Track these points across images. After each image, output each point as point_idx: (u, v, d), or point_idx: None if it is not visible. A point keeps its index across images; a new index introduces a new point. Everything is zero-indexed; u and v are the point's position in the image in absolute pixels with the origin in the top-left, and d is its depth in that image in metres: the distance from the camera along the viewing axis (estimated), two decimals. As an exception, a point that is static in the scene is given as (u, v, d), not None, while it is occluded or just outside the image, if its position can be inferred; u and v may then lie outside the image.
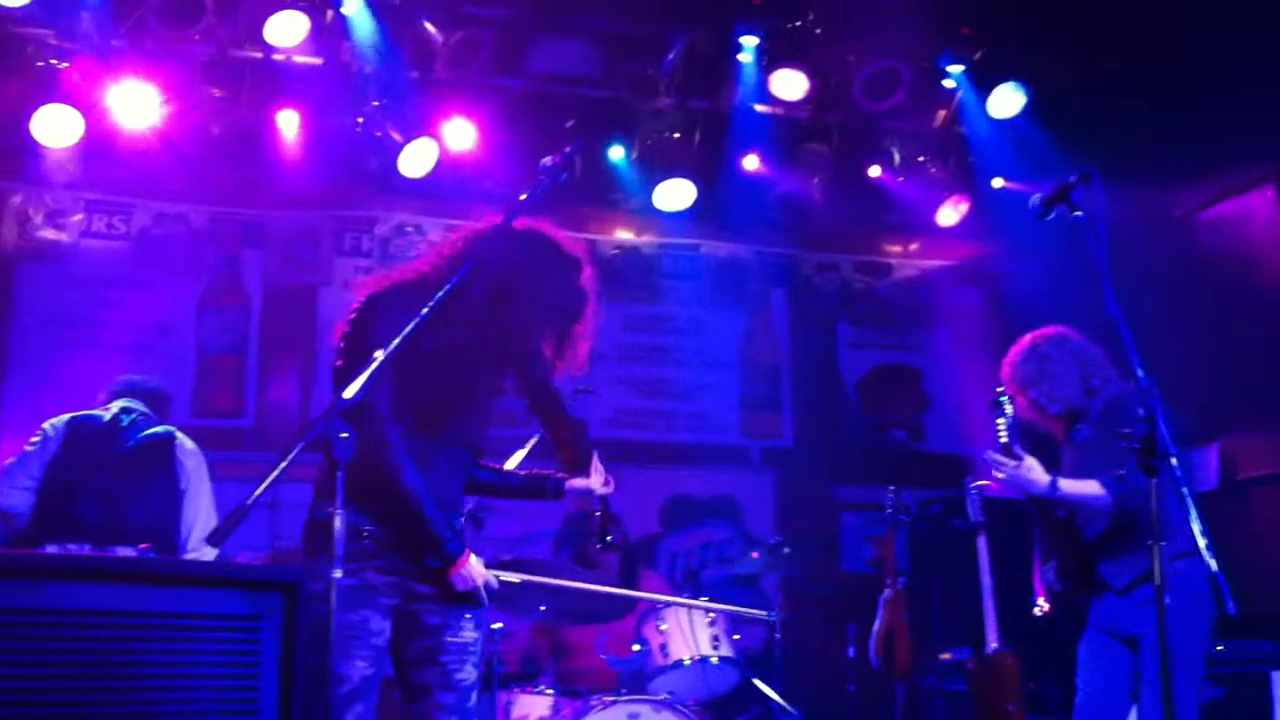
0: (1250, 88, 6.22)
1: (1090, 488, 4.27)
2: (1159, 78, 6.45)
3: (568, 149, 3.42)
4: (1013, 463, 4.26)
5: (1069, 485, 4.29)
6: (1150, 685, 4.24)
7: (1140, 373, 3.38)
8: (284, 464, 2.80)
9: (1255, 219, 6.83)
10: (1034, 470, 4.27)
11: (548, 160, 3.39)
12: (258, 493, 2.73)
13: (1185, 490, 3.25)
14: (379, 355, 3.00)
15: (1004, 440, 4.28)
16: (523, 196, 3.34)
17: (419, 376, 3.34)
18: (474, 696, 3.45)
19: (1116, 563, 4.41)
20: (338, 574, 2.91)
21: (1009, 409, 4.36)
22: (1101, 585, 4.47)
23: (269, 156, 6.64)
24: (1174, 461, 3.23)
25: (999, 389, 4.47)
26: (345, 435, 2.96)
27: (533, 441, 4.34)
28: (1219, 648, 5.83)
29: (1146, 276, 7.28)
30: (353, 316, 3.44)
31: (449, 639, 3.41)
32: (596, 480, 3.88)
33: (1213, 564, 3.12)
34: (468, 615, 3.45)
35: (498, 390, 3.60)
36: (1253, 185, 6.85)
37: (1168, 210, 7.40)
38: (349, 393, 2.94)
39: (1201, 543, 3.14)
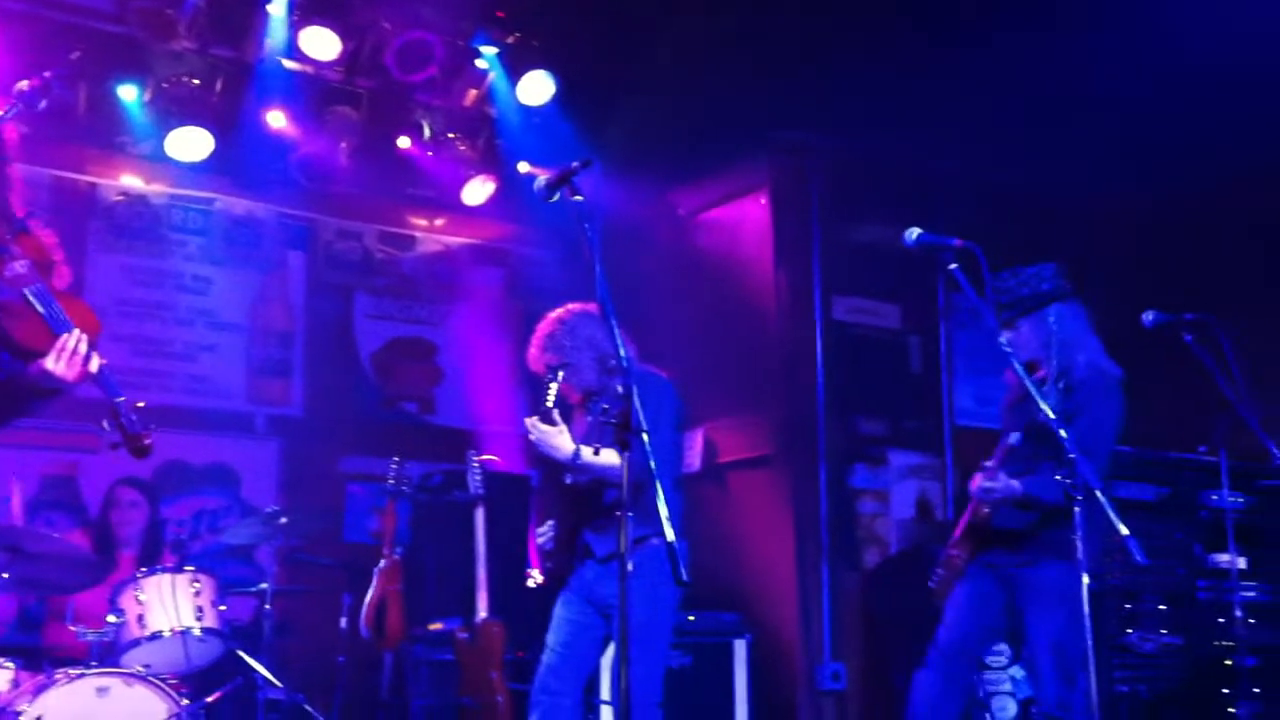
0: (749, 98, 6.74)
1: (611, 459, 4.46)
2: (671, 83, 6.85)
3: (47, 74, 3.17)
4: (549, 429, 4.41)
5: (589, 456, 4.47)
6: (619, 650, 4.49)
7: (623, 354, 3.57)
8: None
9: (748, 224, 7.38)
10: (562, 436, 4.44)
11: (24, 85, 3.14)
12: None
13: (653, 467, 3.45)
14: None
15: (550, 404, 4.44)
16: (-3, 116, 3.09)
17: None
18: None
19: (604, 533, 4.65)
20: None
21: (561, 377, 4.54)
22: (585, 552, 4.70)
23: None
24: (645, 438, 3.43)
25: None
26: None
27: None
28: (690, 618, 6.30)
29: (652, 268, 7.75)
30: None
31: None
32: (55, 361, 3.27)
33: (670, 534, 3.33)
34: None
35: None
36: (748, 192, 7.39)
37: (674, 208, 7.88)
38: None
39: (663, 513, 3.35)
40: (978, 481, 4.59)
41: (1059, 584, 4.43)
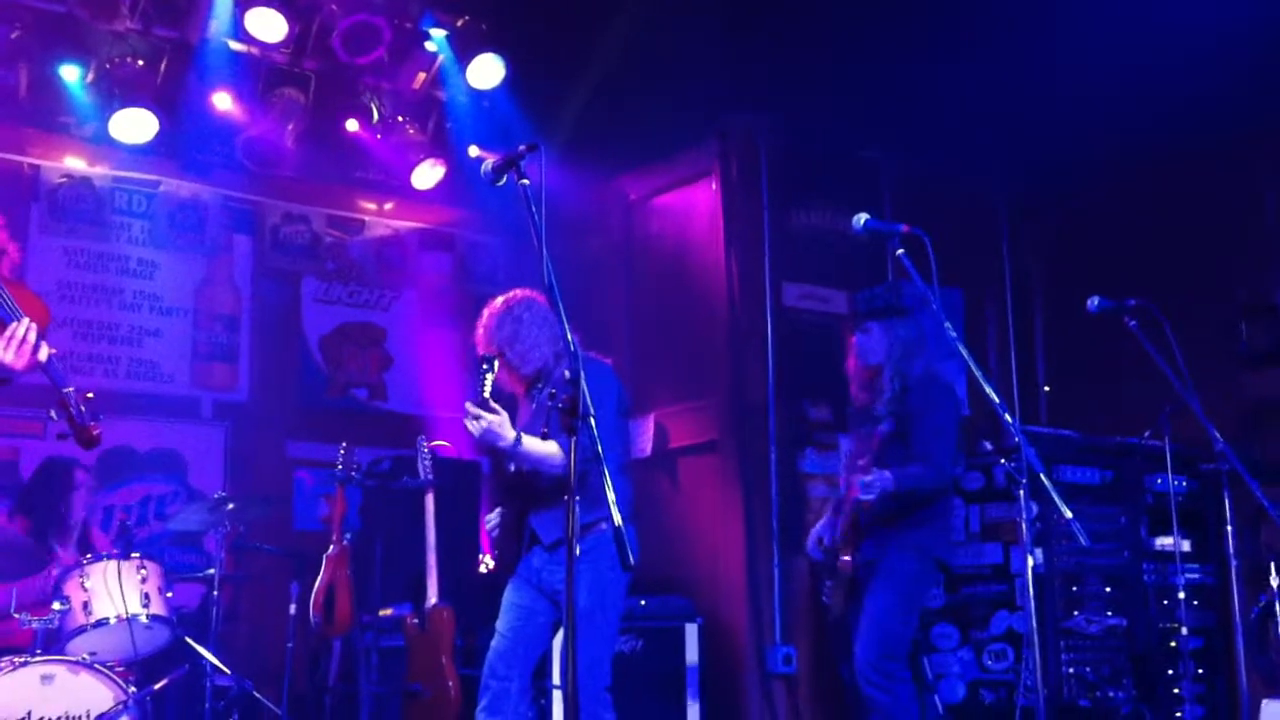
0: (699, 83, 6.74)
1: (550, 448, 4.46)
2: (622, 67, 6.83)
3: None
4: (489, 417, 4.38)
5: (531, 444, 4.46)
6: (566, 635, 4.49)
7: (571, 338, 3.55)
8: None
9: (698, 209, 7.38)
10: (504, 426, 4.41)
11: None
12: None
13: (601, 452, 3.45)
14: None
15: (486, 394, 4.40)
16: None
17: None
18: None
19: (550, 520, 4.63)
20: None
21: (498, 365, 4.52)
22: (533, 539, 4.69)
23: None
24: (592, 423, 3.42)
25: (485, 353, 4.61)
26: None
27: None
28: (641, 603, 6.32)
29: (602, 253, 7.74)
30: None
31: None
32: (4, 350, 3.35)
33: (617, 518, 3.33)
34: None
35: None
36: (698, 177, 7.38)
37: (624, 193, 7.86)
38: None
39: (611, 498, 3.35)
40: (856, 481, 4.82)
41: (895, 568, 4.91)
